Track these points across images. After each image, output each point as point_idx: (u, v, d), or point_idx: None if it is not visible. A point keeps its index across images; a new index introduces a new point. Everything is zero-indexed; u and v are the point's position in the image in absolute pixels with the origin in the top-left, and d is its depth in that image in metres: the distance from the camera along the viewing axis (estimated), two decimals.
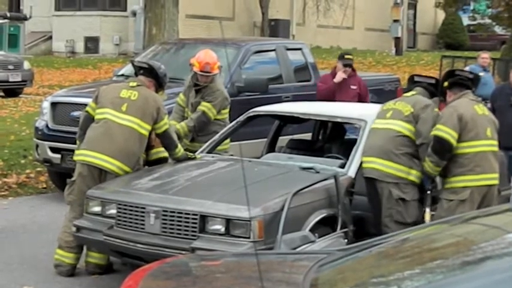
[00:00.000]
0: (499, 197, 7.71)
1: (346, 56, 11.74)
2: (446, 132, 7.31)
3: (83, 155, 7.85)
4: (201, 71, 9.10)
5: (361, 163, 7.64)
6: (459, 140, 7.35)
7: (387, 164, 7.45)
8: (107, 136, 7.81)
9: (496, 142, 7.57)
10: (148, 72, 8.18)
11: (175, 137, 8.24)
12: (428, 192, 7.44)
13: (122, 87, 8.08)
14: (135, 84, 8.03)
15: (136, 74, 8.33)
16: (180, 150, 8.15)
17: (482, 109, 7.57)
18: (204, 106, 9.12)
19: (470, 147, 7.38)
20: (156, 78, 8.19)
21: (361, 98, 11.23)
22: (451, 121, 7.33)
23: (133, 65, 8.57)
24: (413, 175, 7.46)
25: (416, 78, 8.05)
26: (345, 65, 11.48)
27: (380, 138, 7.58)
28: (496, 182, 7.51)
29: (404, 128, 7.51)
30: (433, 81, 7.97)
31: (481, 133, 7.43)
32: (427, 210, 7.34)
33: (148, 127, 7.91)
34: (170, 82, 10.42)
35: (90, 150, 7.80)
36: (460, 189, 7.38)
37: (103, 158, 7.75)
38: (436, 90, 7.81)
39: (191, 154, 8.28)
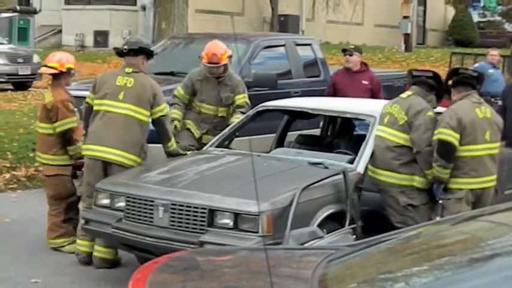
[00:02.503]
0: (496, 196, 7.70)
1: (349, 46, 11.75)
2: (449, 134, 7.31)
3: (88, 149, 7.97)
4: (208, 63, 9.14)
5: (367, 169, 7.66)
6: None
7: (389, 174, 7.49)
8: (107, 128, 7.88)
9: (495, 145, 7.56)
10: (138, 51, 8.12)
11: (169, 128, 8.26)
12: (440, 201, 7.43)
13: (117, 74, 8.08)
14: (130, 70, 8.02)
15: (120, 55, 8.23)
16: (172, 144, 8.22)
17: (484, 111, 7.53)
18: (242, 98, 9.31)
19: (467, 151, 7.39)
20: (145, 52, 8.17)
21: (373, 94, 11.16)
22: (452, 123, 7.33)
23: (116, 49, 8.40)
24: (417, 181, 7.47)
25: (414, 73, 8.04)
26: (345, 54, 11.45)
27: (379, 147, 7.60)
28: (492, 184, 7.54)
29: (400, 138, 7.52)
30: (430, 74, 7.94)
31: (479, 137, 7.42)
32: (438, 219, 7.30)
33: (147, 113, 7.95)
34: (179, 76, 10.49)
35: (93, 144, 7.91)
36: (455, 190, 7.41)
37: (105, 150, 7.83)
38: (436, 82, 7.79)
39: (182, 151, 8.35)
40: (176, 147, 8.29)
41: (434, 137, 7.37)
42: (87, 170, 7.96)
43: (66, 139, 8.36)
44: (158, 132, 8.18)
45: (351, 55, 11.39)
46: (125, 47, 8.17)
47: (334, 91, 11.27)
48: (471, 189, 7.42)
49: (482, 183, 7.46)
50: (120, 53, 8.24)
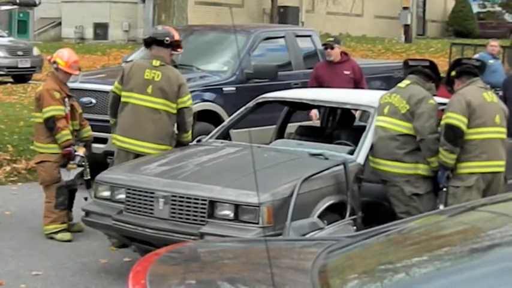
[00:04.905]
0: (505, 185, 7.70)
1: (328, 39, 11.65)
2: (457, 119, 7.31)
3: (119, 141, 8.31)
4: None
5: (369, 160, 7.64)
6: (466, 126, 7.35)
7: (393, 164, 7.49)
8: (136, 121, 8.15)
9: (504, 129, 7.57)
10: (167, 44, 8.32)
11: (189, 121, 8.32)
12: (444, 189, 7.42)
13: (145, 67, 8.28)
14: (158, 63, 8.24)
15: (147, 46, 8.46)
16: (188, 136, 8.33)
17: (491, 96, 7.56)
18: None
19: (477, 134, 7.38)
20: (174, 44, 8.33)
21: (356, 84, 11.09)
22: (460, 107, 7.34)
23: (145, 40, 8.66)
24: (421, 169, 7.47)
25: (410, 63, 8.04)
26: (326, 48, 11.35)
27: (382, 138, 7.59)
28: (502, 169, 7.52)
29: (403, 127, 7.52)
30: (427, 63, 7.94)
31: (488, 120, 7.42)
32: (441, 207, 7.30)
33: (174, 105, 8.19)
34: (180, 68, 10.48)
35: (124, 137, 8.22)
36: (466, 175, 7.40)
37: (137, 143, 8.16)
38: (432, 71, 7.79)
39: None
40: (190, 140, 8.39)
41: (442, 122, 7.39)
42: (118, 159, 8.27)
43: (49, 127, 8.46)
44: (177, 122, 8.28)
45: (332, 48, 11.27)
46: (156, 38, 8.37)
47: (318, 84, 11.13)
48: (482, 174, 7.38)
49: (493, 167, 7.43)
50: (147, 44, 8.46)
